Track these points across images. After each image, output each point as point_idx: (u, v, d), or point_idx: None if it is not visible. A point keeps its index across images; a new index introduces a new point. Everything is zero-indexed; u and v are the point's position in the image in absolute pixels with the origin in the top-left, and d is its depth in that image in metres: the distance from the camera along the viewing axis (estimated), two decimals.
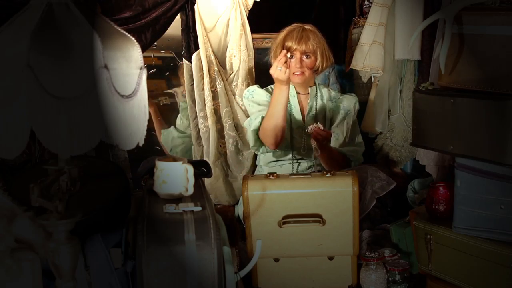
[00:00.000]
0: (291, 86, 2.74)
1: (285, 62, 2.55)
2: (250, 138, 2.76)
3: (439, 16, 2.08)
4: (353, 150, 2.75)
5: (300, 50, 2.65)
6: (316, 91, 2.81)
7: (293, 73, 2.67)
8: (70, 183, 1.41)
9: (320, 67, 2.71)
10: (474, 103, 1.92)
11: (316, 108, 2.79)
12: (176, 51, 3.10)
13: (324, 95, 2.81)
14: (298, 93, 2.79)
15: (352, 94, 2.89)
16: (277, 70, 2.54)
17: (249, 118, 2.78)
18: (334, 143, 2.73)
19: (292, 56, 2.66)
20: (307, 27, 2.70)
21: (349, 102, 2.80)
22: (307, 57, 2.68)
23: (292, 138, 2.75)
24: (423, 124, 2.14)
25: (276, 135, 2.61)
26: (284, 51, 2.60)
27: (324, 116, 2.79)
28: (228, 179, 2.93)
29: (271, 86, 2.78)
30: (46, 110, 1.21)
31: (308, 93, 2.80)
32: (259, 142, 2.73)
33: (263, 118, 2.66)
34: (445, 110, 2.02)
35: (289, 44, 2.66)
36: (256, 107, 2.75)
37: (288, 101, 2.65)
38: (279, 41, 2.71)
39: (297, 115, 2.77)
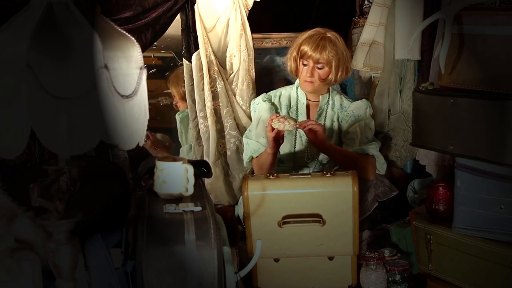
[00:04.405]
0: (302, 93, 2.68)
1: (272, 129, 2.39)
2: (244, 158, 2.72)
3: (439, 16, 2.08)
4: (370, 146, 2.58)
5: (314, 59, 2.54)
6: (328, 99, 2.70)
7: (304, 80, 2.60)
8: (70, 183, 1.41)
9: (333, 79, 2.59)
10: (474, 103, 1.92)
11: (325, 117, 2.69)
12: (176, 51, 3.10)
13: (335, 104, 2.69)
14: (308, 100, 2.70)
15: (363, 100, 2.72)
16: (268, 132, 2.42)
17: (247, 134, 2.70)
18: (349, 146, 2.60)
19: (306, 63, 2.57)
20: (329, 34, 2.58)
21: (358, 109, 2.65)
22: (320, 68, 2.57)
23: (295, 146, 2.68)
24: (423, 124, 2.14)
25: (264, 172, 2.51)
26: (274, 115, 2.42)
27: (332, 126, 2.68)
28: (228, 179, 2.93)
29: (278, 91, 2.74)
30: (46, 110, 1.21)
31: (319, 100, 2.69)
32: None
33: (253, 157, 2.63)
34: (445, 110, 2.02)
35: (304, 49, 2.56)
36: (255, 121, 2.68)
37: (276, 157, 2.54)
38: (296, 44, 2.61)
39: None
